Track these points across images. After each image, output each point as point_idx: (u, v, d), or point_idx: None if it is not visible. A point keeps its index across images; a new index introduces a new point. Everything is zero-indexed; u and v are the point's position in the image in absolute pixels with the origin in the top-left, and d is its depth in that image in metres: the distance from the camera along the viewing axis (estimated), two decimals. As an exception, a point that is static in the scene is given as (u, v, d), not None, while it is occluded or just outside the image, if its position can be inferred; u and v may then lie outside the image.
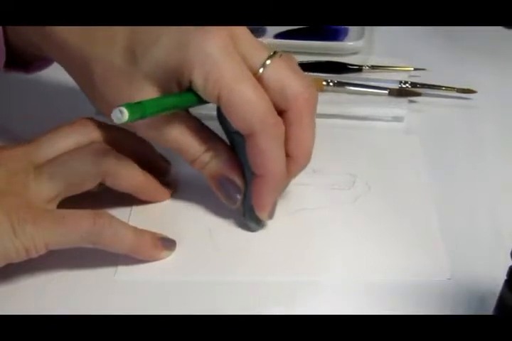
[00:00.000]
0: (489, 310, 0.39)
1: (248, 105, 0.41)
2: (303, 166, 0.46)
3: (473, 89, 0.59)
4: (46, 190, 0.43)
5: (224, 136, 0.47)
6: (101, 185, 0.45)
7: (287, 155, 0.44)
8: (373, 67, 0.62)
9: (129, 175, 0.46)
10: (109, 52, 0.44)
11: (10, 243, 0.40)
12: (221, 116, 0.44)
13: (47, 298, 0.42)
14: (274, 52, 0.43)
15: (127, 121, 0.39)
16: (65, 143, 0.45)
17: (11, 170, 0.43)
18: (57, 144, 0.45)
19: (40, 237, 0.40)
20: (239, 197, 0.46)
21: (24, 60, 0.52)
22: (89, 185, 0.44)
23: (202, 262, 0.45)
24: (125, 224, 0.44)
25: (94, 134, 0.46)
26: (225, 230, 0.47)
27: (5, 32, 0.48)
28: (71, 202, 0.44)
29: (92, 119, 0.47)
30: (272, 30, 0.67)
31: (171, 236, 0.45)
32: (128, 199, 0.48)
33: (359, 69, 0.62)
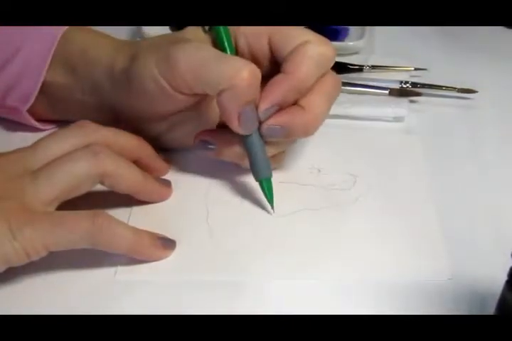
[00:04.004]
0: (489, 310, 0.39)
1: None
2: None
3: (474, 89, 0.59)
4: (43, 193, 0.42)
5: None
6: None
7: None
8: (374, 67, 0.62)
9: (128, 176, 0.45)
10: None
11: (9, 246, 0.40)
12: None
13: (47, 298, 0.42)
14: None
15: None
16: (61, 147, 0.44)
17: (7, 175, 0.42)
18: (53, 148, 0.44)
19: (39, 239, 0.40)
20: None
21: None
22: (88, 186, 0.44)
23: (202, 262, 0.45)
24: (124, 224, 0.44)
25: (91, 136, 0.45)
26: (225, 230, 0.47)
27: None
28: (71, 203, 0.44)
29: (89, 122, 0.46)
30: (272, 30, 0.66)
31: (170, 236, 0.45)
32: (128, 200, 0.47)
33: (359, 69, 0.62)
